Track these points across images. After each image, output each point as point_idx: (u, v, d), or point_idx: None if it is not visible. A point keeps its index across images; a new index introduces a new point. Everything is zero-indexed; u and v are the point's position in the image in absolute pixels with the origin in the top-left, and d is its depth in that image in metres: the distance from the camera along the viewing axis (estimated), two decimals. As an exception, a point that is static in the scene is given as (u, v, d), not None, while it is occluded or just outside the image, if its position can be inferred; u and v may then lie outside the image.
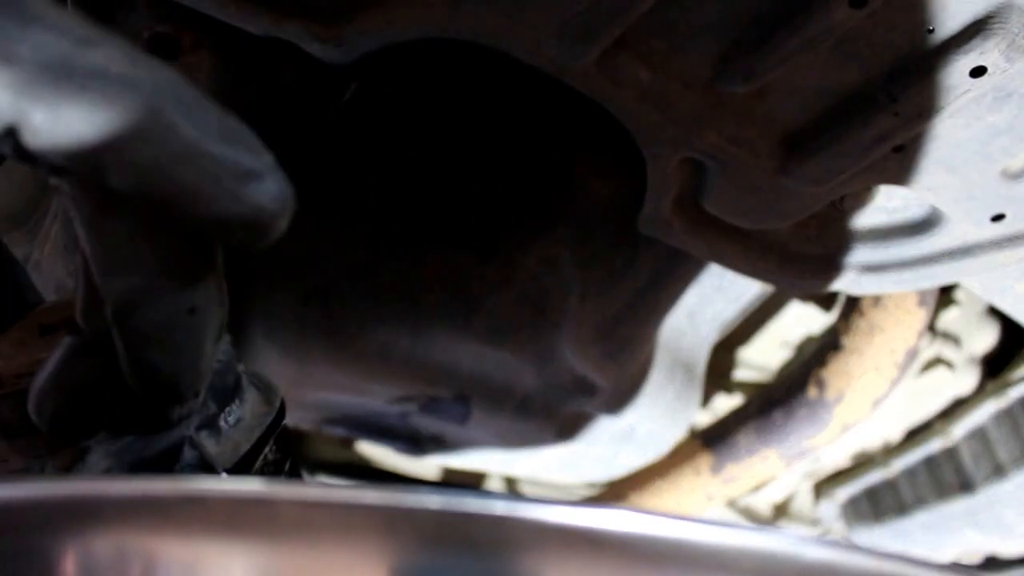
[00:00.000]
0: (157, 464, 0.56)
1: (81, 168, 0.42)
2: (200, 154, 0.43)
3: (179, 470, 0.57)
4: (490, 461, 1.69)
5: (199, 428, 0.60)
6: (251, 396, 0.66)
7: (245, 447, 0.63)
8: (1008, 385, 1.89)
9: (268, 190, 0.45)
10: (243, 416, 0.64)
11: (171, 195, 0.43)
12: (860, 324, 1.61)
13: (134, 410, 0.55)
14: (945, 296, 1.90)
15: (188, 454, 0.58)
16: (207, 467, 0.59)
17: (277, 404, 0.68)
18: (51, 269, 1.26)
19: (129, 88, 0.41)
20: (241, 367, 0.67)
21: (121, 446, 0.56)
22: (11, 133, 0.40)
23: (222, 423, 0.63)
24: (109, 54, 0.41)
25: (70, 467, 0.55)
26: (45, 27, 0.39)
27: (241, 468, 0.62)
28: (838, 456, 2.22)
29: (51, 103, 0.39)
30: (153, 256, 0.47)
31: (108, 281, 0.48)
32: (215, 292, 0.50)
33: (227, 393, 0.64)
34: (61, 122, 0.40)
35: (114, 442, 0.56)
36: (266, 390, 0.69)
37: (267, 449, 0.66)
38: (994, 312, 1.91)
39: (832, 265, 1.17)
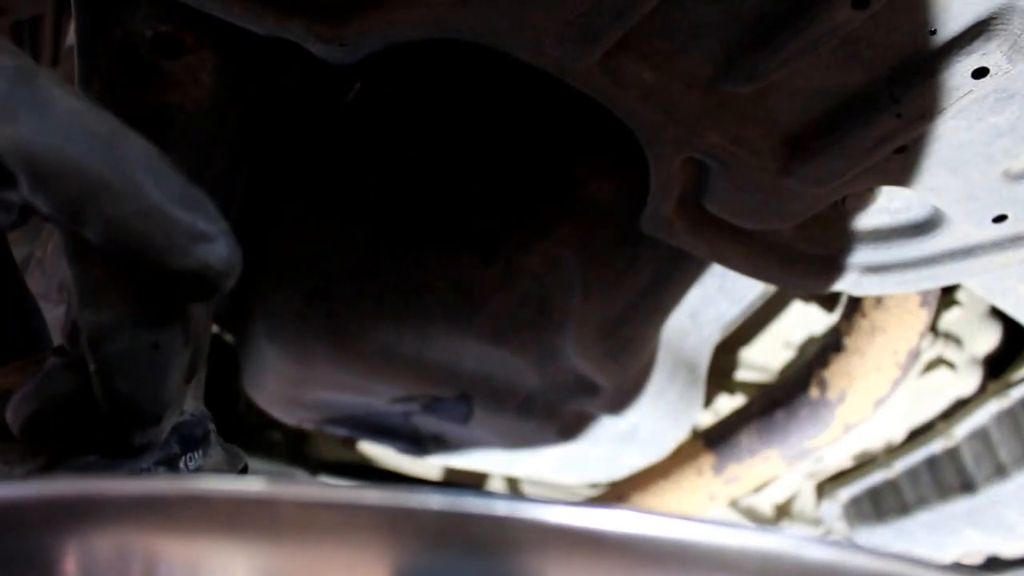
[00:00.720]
0: None
1: (62, 218, 0.52)
2: (160, 214, 0.52)
3: None
4: (492, 461, 1.70)
5: (158, 463, 0.64)
6: (216, 453, 0.70)
7: None
8: (1010, 385, 1.89)
9: (216, 251, 0.54)
10: (203, 467, 0.68)
11: (133, 247, 0.52)
12: (862, 324, 1.61)
13: (101, 430, 0.59)
14: (947, 297, 1.90)
15: None
16: None
17: (239, 467, 0.71)
18: (54, 268, 1.25)
19: (108, 155, 0.51)
20: (212, 427, 0.71)
21: (84, 464, 0.60)
22: (11, 183, 0.51)
23: (181, 465, 0.66)
24: (97, 125, 0.52)
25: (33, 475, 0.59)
26: (48, 100, 0.50)
27: None
28: (840, 456, 2.22)
29: (43, 161, 0.50)
30: (121, 298, 0.55)
31: (83, 313, 0.55)
32: (180, 333, 0.57)
33: (193, 442, 0.68)
34: (50, 176, 0.50)
35: (79, 460, 0.60)
36: (233, 456, 0.72)
37: None
38: (996, 313, 1.91)
39: (834, 266, 1.17)
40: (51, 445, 0.60)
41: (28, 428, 0.60)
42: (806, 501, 2.45)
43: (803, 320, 2.02)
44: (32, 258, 1.20)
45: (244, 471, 0.71)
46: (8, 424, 0.60)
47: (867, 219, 1.14)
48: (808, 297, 1.91)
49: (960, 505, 1.98)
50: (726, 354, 2.09)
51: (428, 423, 1.52)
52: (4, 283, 0.73)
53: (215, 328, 1.72)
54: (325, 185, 1.32)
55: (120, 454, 0.61)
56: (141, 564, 0.43)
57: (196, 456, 0.67)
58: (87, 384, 0.57)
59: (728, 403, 2.13)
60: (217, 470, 0.69)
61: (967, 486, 1.96)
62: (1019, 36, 0.82)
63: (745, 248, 1.15)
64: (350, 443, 2.15)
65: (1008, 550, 2.10)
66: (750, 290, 1.70)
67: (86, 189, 0.50)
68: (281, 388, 1.44)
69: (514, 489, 2.30)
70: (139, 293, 0.55)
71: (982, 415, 1.93)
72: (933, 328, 1.90)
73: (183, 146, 0.97)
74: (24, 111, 0.50)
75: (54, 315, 0.71)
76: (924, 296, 1.57)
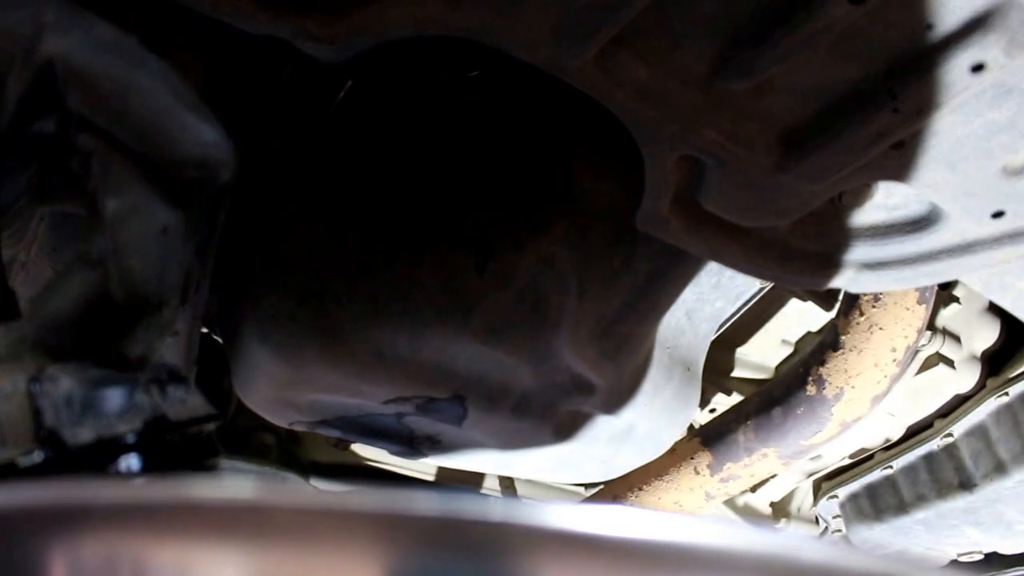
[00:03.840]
0: (111, 401, 0.68)
1: (98, 115, 0.64)
2: (176, 112, 0.66)
3: (130, 408, 0.69)
4: (487, 462, 1.69)
5: (150, 382, 0.71)
6: (197, 398, 0.76)
7: (182, 416, 0.73)
8: (1009, 382, 1.89)
9: (218, 143, 0.67)
10: (186, 399, 0.74)
11: (153, 137, 0.65)
12: (859, 322, 1.61)
13: (108, 331, 0.70)
14: (946, 293, 1.90)
15: (139, 398, 0.70)
16: (157, 416, 0.70)
17: (216, 415, 0.77)
18: (38, 270, 1.25)
19: (137, 65, 0.65)
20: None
21: (84, 374, 0.68)
22: (58, 100, 0.64)
23: (170, 390, 0.73)
24: (128, 45, 0.66)
25: (36, 378, 0.67)
26: (91, 23, 0.64)
27: (175, 428, 0.72)
28: (838, 454, 2.22)
29: (88, 65, 0.63)
30: (139, 186, 0.66)
31: (107, 202, 0.66)
32: (184, 225, 0.69)
33: (178, 377, 0.75)
34: (92, 78, 0.63)
35: (78, 368, 0.68)
36: (211, 406, 0.78)
37: (196, 429, 0.74)
38: (995, 309, 1.91)
39: (831, 262, 1.17)
40: (61, 346, 0.69)
41: (44, 326, 0.69)
42: (803, 499, 2.45)
43: (800, 317, 2.02)
44: (16, 261, 1.21)
45: (216, 418, 0.77)
46: (26, 326, 0.70)
47: (864, 215, 1.13)
48: (805, 294, 1.91)
49: (958, 503, 1.98)
50: (723, 352, 2.09)
51: (422, 424, 1.52)
52: None
53: (205, 329, 1.71)
54: (317, 185, 1.31)
55: (118, 365, 0.70)
56: (130, 570, 0.43)
57: (180, 388, 0.74)
58: (100, 280, 0.68)
59: (725, 401, 2.13)
60: (195, 408, 0.74)
61: (965, 484, 1.96)
62: (1017, 31, 0.82)
63: (741, 245, 1.15)
64: (343, 445, 2.15)
65: (1007, 547, 2.10)
66: (746, 287, 1.70)
67: (119, 89, 0.65)
68: (273, 390, 1.43)
69: (509, 490, 2.30)
70: (153, 182, 0.67)
71: (981, 412, 1.93)
72: (931, 325, 1.90)
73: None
74: (74, 28, 0.64)
75: None
76: (922, 293, 1.57)
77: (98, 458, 0.67)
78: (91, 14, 0.66)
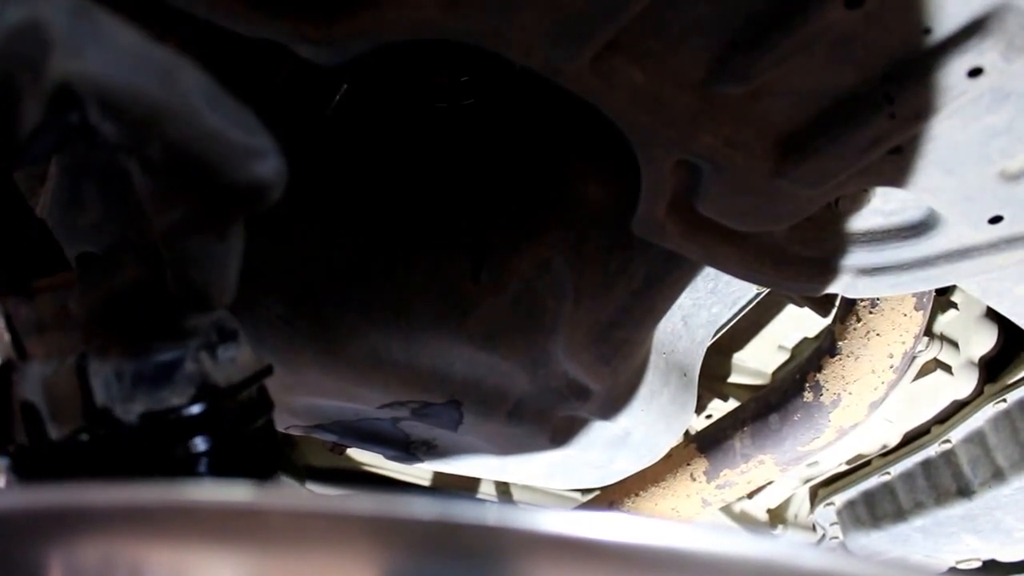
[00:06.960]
0: (162, 372, 0.67)
1: (128, 142, 0.57)
2: (216, 136, 0.58)
3: (180, 379, 0.67)
4: (483, 467, 1.69)
5: (199, 348, 0.70)
6: (245, 350, 0.75)
7: (235, 379, 0.72)
8: (1006, 388, 1.88)
9: (268, 165, 0.61)
10: (236, 357, 0.73)
11: (192, 165, 0.58)
12: (857, 327, 1.61)
13: (163, 313, 0.68)
14: (943, 299, 1.90)
15: (190, 367, 0.68)
16: (206, 383, 0.69)
17: (269, 368, 0.77)
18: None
19: (168, 84, 0.56)
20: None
21: (133, 346, 0.67)
22: (82, 109, 0.55)
23: (220, 352, 0.72)
24: (156, 56, 0.56)
25: (84, 353, 0.66)
26: (109, 33, 0.54)
27: (226, 393, 0.71)
28: (835, 460, 2.22)
29: (110, 91, 0.54)
30: (189, 200, 0.61)
31: (157, 218, 0.62)
32: (240, 223, 0.64)
33: (227, 334, 0.73)
34: (116, 105, 0.54)
35: (126, 339, 0.67)
36: (259, 357, 0.78)
37: (247, 392, 0.74)
38: (993, 315, 1.91)
39: (828, 268, 1.17)
40: (110, 319, 0.67)
41: (100, 311, 0.67)
42: (800, 506, 2.45)
43: (797, 323, 2.02)
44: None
45: (269, 372, 0.76)
46: (72, 311, 0.68)
47: (861, 221, 1.13)
48: (802, 300, 1.91)
49: (957, 510, 1.98)
50: (719, 357, 2.09)
51: (418, 429, 1.52)
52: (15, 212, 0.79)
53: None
54: (312, 189, 1.31)
55: (172, 337, 0.68)
56: (127, 573, 0.42)
57: (231, 346, 0.73)
58: (154, 272, 0.66)
59: (721, 407, 2.13)
60: (246, 364, 0.74)
61: (964, 490, 1.96)
62: (1015, 35, 0.82)
63: (738, 250, 1.15)
64: (339, 449, 2.15)
65: (1005, 555, 2.10)
66: (743, 293, 1.70)
67: (149, 115, 0.56)
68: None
69: (505, 495, 2.30)
70: (200, 203, 0.62)
71: (979, 418, 1.93)
72: (929, 331, 1.90)
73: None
74: (89, 45, 0.53)
75: None
76: (919, 298, 1.57)
77: (161, 437, 0.67)
78: (112, 21, 0.54)
